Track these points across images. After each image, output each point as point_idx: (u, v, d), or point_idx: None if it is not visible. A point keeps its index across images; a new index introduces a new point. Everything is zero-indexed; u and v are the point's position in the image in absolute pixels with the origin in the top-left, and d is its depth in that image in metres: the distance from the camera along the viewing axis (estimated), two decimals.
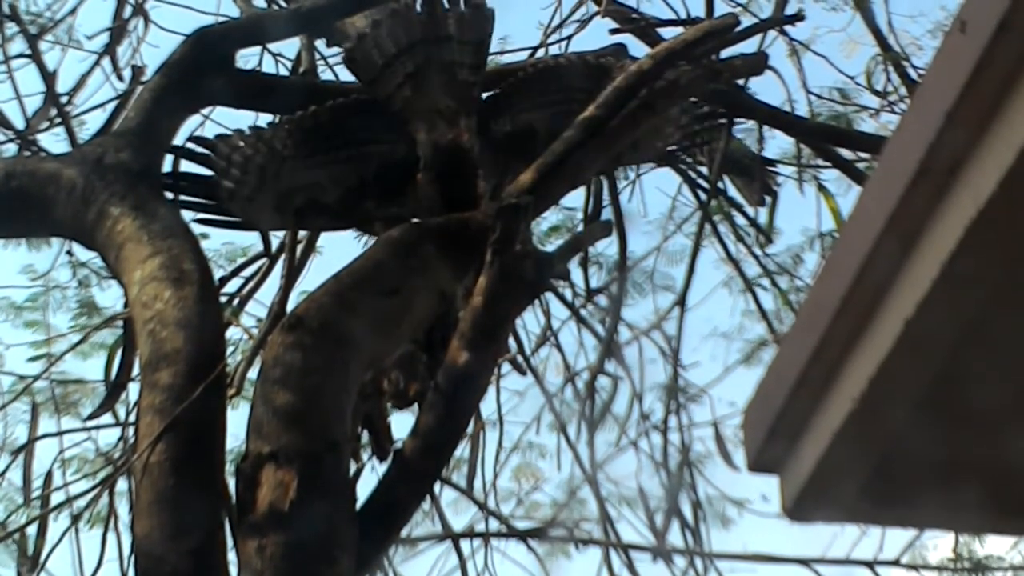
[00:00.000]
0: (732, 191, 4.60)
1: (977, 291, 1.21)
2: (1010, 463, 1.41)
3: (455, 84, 2.99)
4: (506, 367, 4.50)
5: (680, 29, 3.86)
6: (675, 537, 4.50)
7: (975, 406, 1.36)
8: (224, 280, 4.25)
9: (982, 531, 1.49)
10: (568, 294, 4.69)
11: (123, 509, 4.18)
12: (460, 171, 2.94)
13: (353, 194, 3.04)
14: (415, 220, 2.95)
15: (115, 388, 4.15)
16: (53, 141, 4.52)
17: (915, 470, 1.40)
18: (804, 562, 4.14)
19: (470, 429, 4.37)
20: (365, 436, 2.90)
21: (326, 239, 4.06)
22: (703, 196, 4.64)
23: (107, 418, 4.35)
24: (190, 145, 3.13)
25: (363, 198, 3.05)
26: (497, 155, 3.00)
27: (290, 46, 4.29)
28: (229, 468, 2.70)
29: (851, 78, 4.74)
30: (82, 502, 4.15)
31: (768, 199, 4.53)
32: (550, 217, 4.72)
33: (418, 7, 3.00)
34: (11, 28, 4.62)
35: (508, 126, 3.06)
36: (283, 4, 4.60)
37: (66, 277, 4.74)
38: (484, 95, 3.15)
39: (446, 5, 3.03)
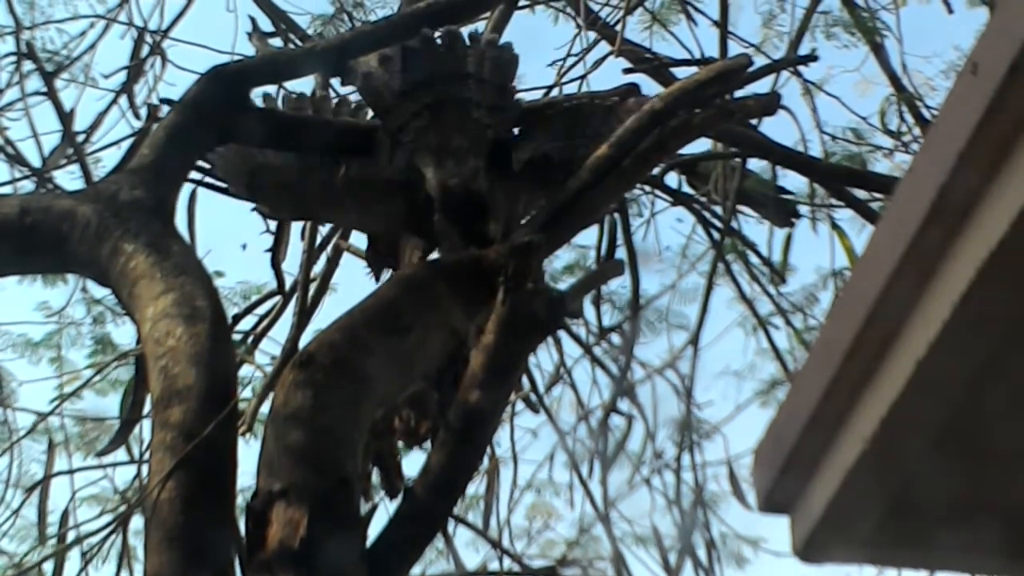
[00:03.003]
0: (750, 224, 4.62)
1: (990, 332, 1.21)
2: None
3: (469, 123, 2.97)
4: (519, 405, 4.50)
5: (693, 69, 3.88)
6: None
7: (990, 446, 1.35)
8: (238, 318, 4.27)
9: (998, 573, 1.47)
10: (581, 332, 4.69)
11: (139, 546, 4.18)
12: (470, 212, 2.93)
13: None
14: (428, 258, 2.95)
15: (126, 425, 4.16)
16: (68, 178, 4.55)
17: (930, 511, 1.39)
18: None
19: (485, 467, 4.37)
20: (376, 474, 2.89)
21: (340, 277, 4.08)
22: (716, 235, 4.65)
23: (122, 455, 4.35)
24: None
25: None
26: (513, 185, 2.98)
27: (306, 84, 4.31)
28: (240, 505, 2.69)
29: (864, 119, 4.75)
30: (96, 539, 4.15)
31: (794, 221, 4.55)
32: (563, 255, 4.73)
33: (438, 41, 2.97)
34: (28, 65, 4.65)
35: (527, 154, 3.03)
36: (299, 43, 4.63)
37: (81, 313, 4.76)
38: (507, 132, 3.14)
39: (467, 42, 3.00)
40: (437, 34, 3.00)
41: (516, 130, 3.11)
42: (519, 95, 3.17)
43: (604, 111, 3.07)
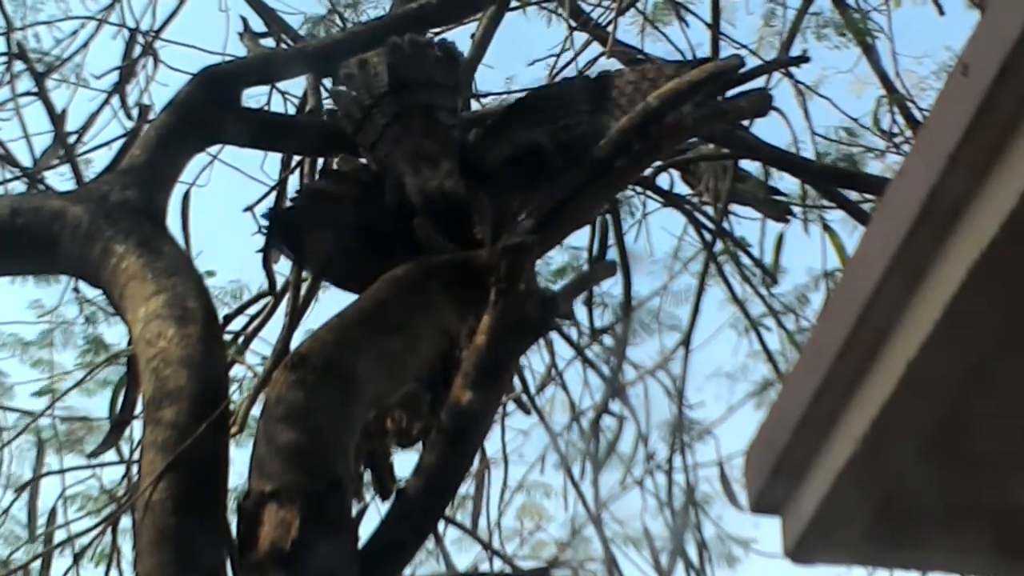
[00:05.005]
0: (742, 225, 4.63)
1: (981, 333, 1.21)
2: (1017, 505, 1.40)
3: (436, 128, 2.99)
4: (511, 406, 4.50)
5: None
6: None
7: (981, 448, 1.35)
8: (229, 318, 4.26)
9: (988, 574, 1.48)
10: (573, 334, 4.69)
11: (127, 547, 4.18)
12: (451, 214, 2.93)
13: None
14: (419, 259, 2.95)
15: (117, 426, 4.15)
16: (60, 179, 4.53)
17: (920, 512, 1.39)
18: None
19: (475, 468, 4.37)
20: (368, 475, 2.89)
21: None
22: (708, 236, 4.65)
23: (111, 456, 4.34)
24: None
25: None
26: (498, 182, 2.98)
27: (297, 84, 4.31)
28: (231, 506, 2.69)
29: (855, 120, 4.75)
30: (85, 540, 4.14)
31: (788, 218, 4.56)
32: (556, 257, 4.73)
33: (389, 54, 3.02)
34: (19, 66, 4.64)
35: (508, 150, 3.04)
36: (291, 43, 4.63)
37: (73, 313, 4.75)
38: (475, 129, 3.16)
39: (412, 49, 3.04)
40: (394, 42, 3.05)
41: (485, 129, 3.13)
42: (510, 97, 3.18)
43: (587, 84, 3.08)
